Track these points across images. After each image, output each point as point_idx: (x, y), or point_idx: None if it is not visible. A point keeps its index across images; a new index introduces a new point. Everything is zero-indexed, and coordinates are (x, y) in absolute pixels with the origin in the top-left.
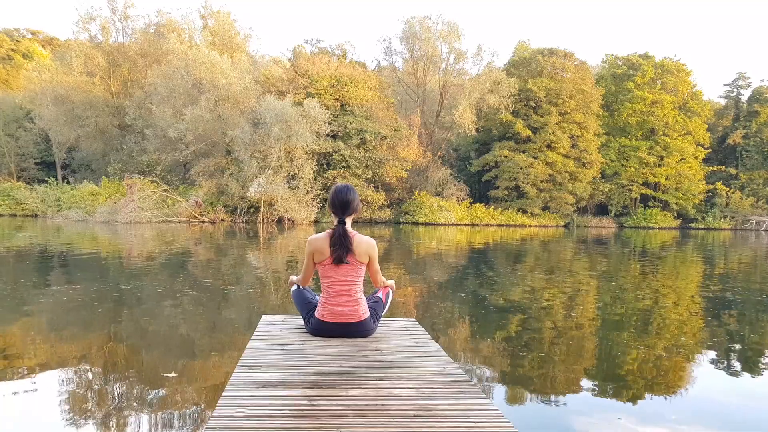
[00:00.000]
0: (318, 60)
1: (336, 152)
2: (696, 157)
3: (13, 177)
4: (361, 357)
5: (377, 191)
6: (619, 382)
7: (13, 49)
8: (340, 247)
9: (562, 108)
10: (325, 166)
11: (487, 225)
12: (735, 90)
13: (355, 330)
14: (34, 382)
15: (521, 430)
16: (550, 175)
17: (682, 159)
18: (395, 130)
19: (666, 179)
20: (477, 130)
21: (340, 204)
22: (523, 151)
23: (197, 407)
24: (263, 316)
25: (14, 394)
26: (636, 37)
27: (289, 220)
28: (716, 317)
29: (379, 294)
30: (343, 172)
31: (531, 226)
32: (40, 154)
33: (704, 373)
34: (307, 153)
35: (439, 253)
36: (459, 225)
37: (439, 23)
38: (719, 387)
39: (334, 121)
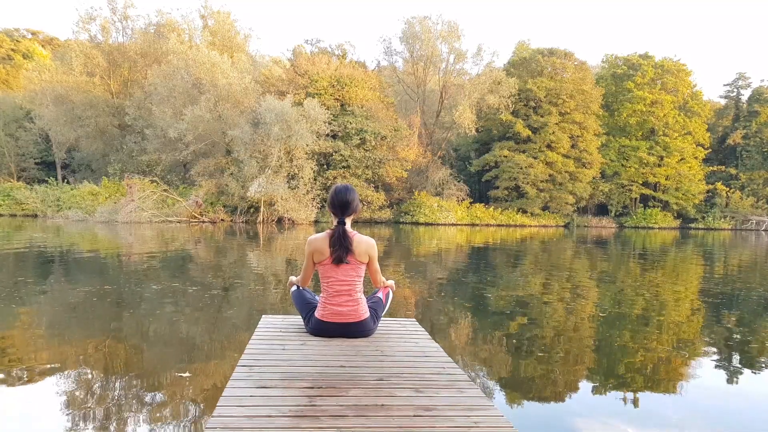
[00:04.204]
0: (318, 60)
1: (336, 152)
2: (696, 157)
3: (13, 177)
4: (361, 357)
5: (377, 191)
6: (619, 382)
7: (13, 49)
8: (340, 247)
9: (562, 108)
10: (325, 166)
11: (487, 225)
12: (735, 90)
13: (355, 330)
14: (34, 382)
15: (521, 430)
16: (550, 175)
17: (682, 159)
18: (395, 130)
19: (666, 179)
20: (477, 130)
21: (340, 204)
22: (523, 151)
23: (197, 407)
24: (263, 316)
25: (14, 394)
26: (636, 37)
27: (289, 220)
28: (716, 317)
29: (379, 294)
30: (343, 172)
31: (531, 226)
32: (40, 154)
33: (704, 373)
34: (307, 153)
35: (439, 254)
36: (459, 225)
37: (439, 23)
38: (720, 387)
39: (334, 121)
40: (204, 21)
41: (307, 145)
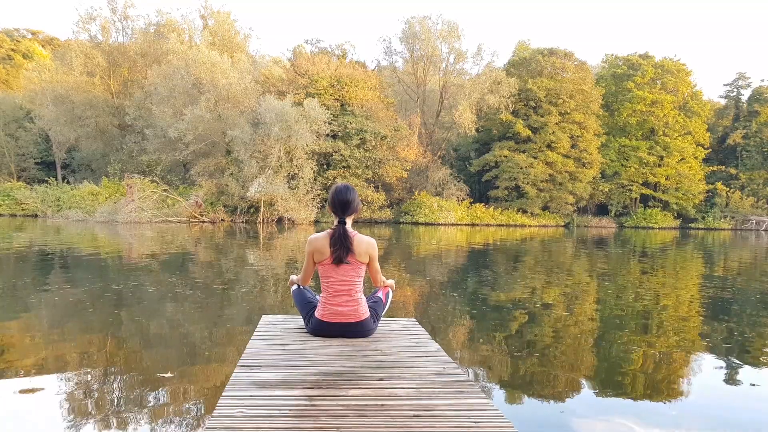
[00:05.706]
0: (318, 60)
1: (336, 152)
2: (696, 157)
3: (13, 177)
4: (362, 357)
5: (377, 191)
6: (619, 382)
7: (13, 49)
8: (341, 247)
9: (562, 108)
10: (325, 166)
11: (487, 225)
12: (735, 90)
13: (356, 330)
14: (34, 382)
15: (521, 430)
16: (550, 175)
17: (682, 159)
18: (395, 130)
19: (666, 179)
20: (477, 130)
21: (340, 204)
22: (523, 151)
23: (197, 407)
24: (263, 316)
25: (14, 394)
26: (636, 37)
27: (289, 220)
28: (716, 317)
29: (379, 294)
30: (343, 172)
31: (531, 226)
32: (40, 154)
33: (704, 372)
34: (307, 153)
35: (439, 253)
36: (459, 225)
37: (439, 23)
38: (719, 387)
39: (334, 121)
40: (204, 21)
41: (307, 145)
